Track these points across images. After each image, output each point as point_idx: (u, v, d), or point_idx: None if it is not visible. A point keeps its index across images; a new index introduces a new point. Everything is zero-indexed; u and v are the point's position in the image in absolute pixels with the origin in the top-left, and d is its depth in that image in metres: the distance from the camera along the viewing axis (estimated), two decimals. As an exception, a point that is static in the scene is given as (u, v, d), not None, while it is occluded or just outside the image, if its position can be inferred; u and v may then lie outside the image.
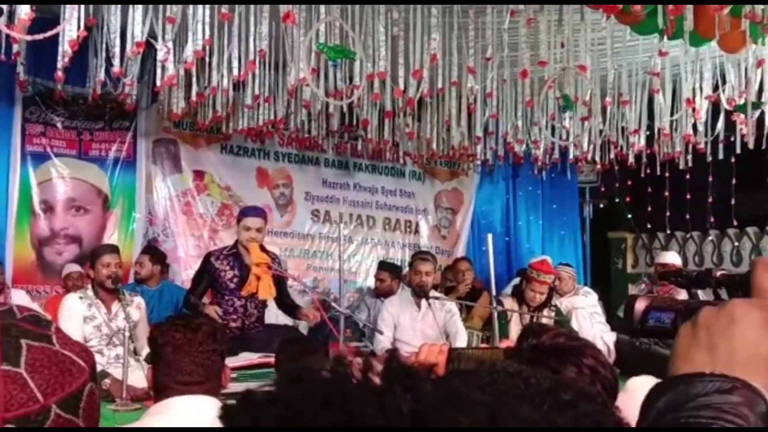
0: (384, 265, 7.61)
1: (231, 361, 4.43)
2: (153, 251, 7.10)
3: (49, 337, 0.94)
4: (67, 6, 4.46)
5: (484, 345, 6.01)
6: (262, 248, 5.63)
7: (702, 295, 2.88)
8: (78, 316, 5.06)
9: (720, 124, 6.67)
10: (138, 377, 4.21)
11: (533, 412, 0.58)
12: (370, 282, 8.21)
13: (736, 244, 9.09)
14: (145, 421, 2.22)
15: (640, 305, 2.61)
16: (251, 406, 0.58)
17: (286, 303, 5.89)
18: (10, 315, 0.96)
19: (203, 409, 2.12)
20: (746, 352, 0.79)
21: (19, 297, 6.18)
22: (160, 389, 2.27)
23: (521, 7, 4.50)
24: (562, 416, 0.60)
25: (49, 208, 7.26)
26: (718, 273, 2.51)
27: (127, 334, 4.47)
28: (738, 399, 0.74)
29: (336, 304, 5.44)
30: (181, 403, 2.18)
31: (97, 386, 0.99)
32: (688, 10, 4.19)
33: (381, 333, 5.79)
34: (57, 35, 4.65)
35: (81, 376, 0.93)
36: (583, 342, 1.90)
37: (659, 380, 1.88)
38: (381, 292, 7.11)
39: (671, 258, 7.43)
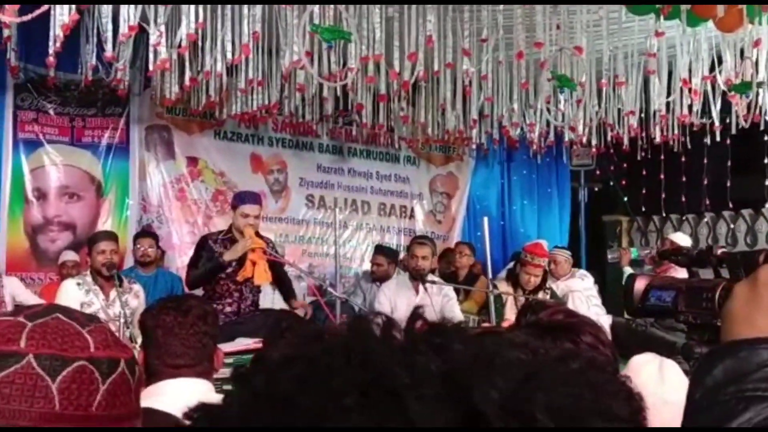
0: (380, 249, 7.58)
1: (226, 347, 4.42)
2: (154, 235, 7.05)
3: None
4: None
5: (486, 324, 6.00)
6: (257, 234, 5.60)
7: (702, 274, 2.85)
8: (75, 301, 5.04)
9: (716, 106, 6.64)
10: (134, 363, 4.19)
11: (573, 374, 0.54)
12: (366, 267, 8.19)
13: (732, 226, 9.08)
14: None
15: (641, 284, 2.59)
16: (267, 367, 0.54)
17: (284, 288, 5.86)
18: None
19: (196, 391, 2.10)
20: None
21: (12, 284, 6.15)
22: (151, 373, 2.25)
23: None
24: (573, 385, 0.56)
25: (42, 195, 7.22)
26: (719, 251, 2.49)
27: (122, 320, 4.45)
28: None
29: (332, 289, 5.39)
30: (174, 386, 2.16)
31: None
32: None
33: (378, 317, 5.76)
34: (48, 20, 4.60)
35: None
36: (582, 319, 1.86)
37: (662, 358, 1.85)
38: (377, 277, 7.09)
39: (680, 238, 7.41)
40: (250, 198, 5.71)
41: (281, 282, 5.81)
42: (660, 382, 1.71)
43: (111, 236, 5.44)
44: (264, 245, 5.48)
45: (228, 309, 5.47)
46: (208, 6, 5.06)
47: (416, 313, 0.57)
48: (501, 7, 5.15)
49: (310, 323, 4.48)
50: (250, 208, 5.54)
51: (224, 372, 3.44)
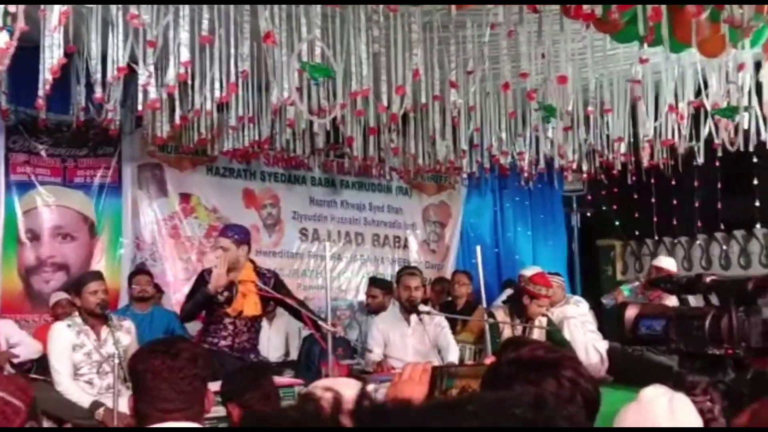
0: (375, 282, 7.58)
1: (217, 386, 4.40)
2: (149, 272, 7.08)
3: None
4: (47, 32, 4.44)
5: (470, 362, 5.97)
6: (255, 268, 5.62)
7: (693, 300, 2.87)
8: (67, 344, 5.03)
9: (704, 129, 6.68)
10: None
11: None
12: (361, 298, 8.19)
13: (725, 247, 9.11)
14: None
15: (631, 313, 2.61)
16: None
17: (300, 318, 5.75)
18: None
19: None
20: None
21: (7, 327, 6.12)
22: (141, 417, 2.20)
23: (501, 19, 4.51)
24: None
25: (35, 236, 7.21)
26: (708, 278, 2.51)
27: (117, 360, 4.43)
28: None
29: (323, 323, 5.36)
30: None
31: (38, 421, 0.96)
32: (667, 17, 4.21)
33: (370, 351, 5.76)
34: (38, 63, 4.63)
35: (17, 417, 0.90)
36: (563, 354, 1.88)
37: (673, 392, 1.85)
38: (373, 309, 7.08)
39: (666, 262, 7.43)
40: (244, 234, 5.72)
41: (297, 316, 5.75)
42: (671, 417, 1.71)
43: (98, 276, 5.45)
44: (255, 278, 5.48)
45: (222, 343, 5.47)
46: (197, 45, 5.09)
47: (363, 394, 0.58)
48: (486, 38, 5.19)
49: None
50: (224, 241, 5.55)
51: (216, 410, 3.42)
